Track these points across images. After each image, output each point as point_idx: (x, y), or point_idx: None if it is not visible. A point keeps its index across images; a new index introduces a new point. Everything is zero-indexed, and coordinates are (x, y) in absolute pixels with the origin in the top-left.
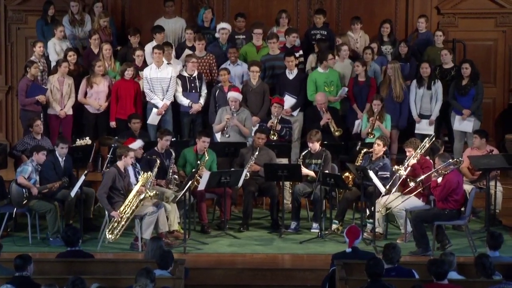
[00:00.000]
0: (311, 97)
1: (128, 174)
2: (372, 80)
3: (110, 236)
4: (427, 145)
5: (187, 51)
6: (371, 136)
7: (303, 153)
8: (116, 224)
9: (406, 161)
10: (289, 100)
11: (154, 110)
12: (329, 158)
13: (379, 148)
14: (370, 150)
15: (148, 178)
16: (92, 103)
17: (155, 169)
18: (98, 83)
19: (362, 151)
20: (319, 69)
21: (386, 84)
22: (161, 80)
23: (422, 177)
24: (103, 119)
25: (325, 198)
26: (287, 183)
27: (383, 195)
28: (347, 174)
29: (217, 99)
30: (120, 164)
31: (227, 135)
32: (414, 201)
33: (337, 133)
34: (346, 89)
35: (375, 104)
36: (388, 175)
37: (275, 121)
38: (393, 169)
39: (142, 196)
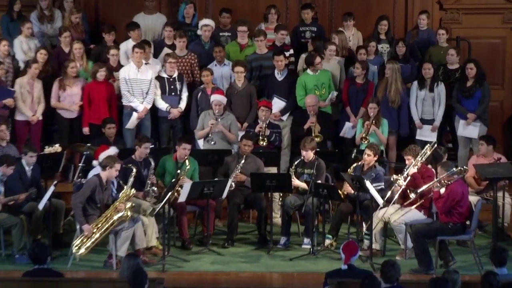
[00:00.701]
0: (300, 102)
1: (110, 187)
2: (371, 84)
3: (77, 251)
4: (429, 153)
5: (166, 50)
6: (365, 142)
7: (295, 162)
8: (86, 239)
9: (405, 170)
10: (278, 103)
11: (134, 114)
12: (322, 168)
13: (369, 158)
14: (361, 161)
15: (129, 195)
16: (68, 108)
17: (131, 179)
18: (71, 85)
19: (353, 166)
20: (309, 71)
21: (383, 85)
22: (141, 81)
23: (424, 187)
24: (78, 124)
25: (317, 211)
26: (276, 195)
27: (380, 208)
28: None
29: (199, 102)
30: (103, 175)
31: (212, 142)
32: (414, 214)
33: (317, 139)
34: (336, 93)
35: (371, 107)
36: (383, 186)
37: (264, 126)
38: (392, 179)
39: (119, 214)
